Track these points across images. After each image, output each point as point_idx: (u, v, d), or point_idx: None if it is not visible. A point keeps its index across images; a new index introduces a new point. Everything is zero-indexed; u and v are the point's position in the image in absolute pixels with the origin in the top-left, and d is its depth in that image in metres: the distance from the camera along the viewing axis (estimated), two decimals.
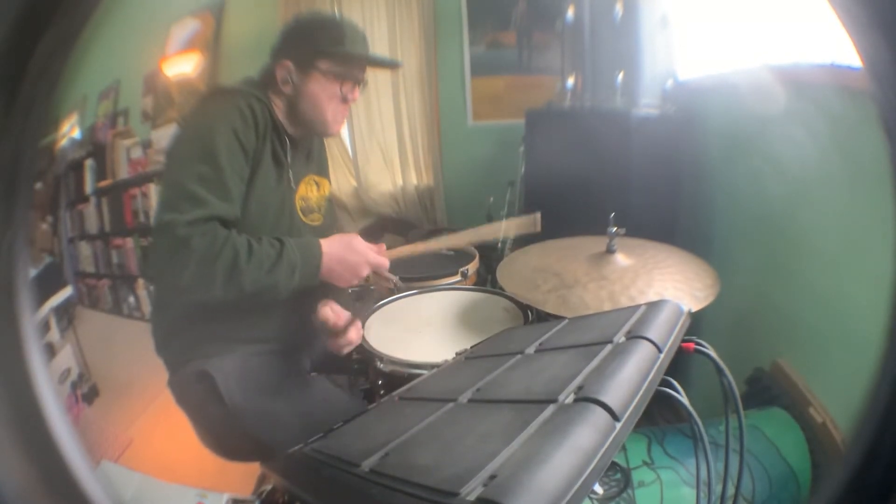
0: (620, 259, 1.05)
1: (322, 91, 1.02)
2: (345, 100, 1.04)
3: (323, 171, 1.16)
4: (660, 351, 0.56)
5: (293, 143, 1.04)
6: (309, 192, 1.11)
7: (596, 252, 1.08)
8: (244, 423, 0.97)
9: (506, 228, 1.21)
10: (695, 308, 0.90)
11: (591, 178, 1.40)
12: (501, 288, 1.12)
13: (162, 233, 0.89)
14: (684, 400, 0.55)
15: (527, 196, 1.74)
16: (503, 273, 1.13)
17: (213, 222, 0.90)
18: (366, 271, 1.02)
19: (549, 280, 1.04)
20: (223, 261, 0.89)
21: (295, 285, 0.95)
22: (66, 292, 1.01)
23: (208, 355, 1.00)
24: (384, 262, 1.05)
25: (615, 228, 1.06)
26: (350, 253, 1.01)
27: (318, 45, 1.02)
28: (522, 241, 1.28)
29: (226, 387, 0.96)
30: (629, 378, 0.49)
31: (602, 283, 0.99)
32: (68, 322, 0.98)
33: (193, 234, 0.87)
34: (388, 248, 1.09)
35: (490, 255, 1.60)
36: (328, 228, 1.15)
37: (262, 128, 0.97)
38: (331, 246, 1.00)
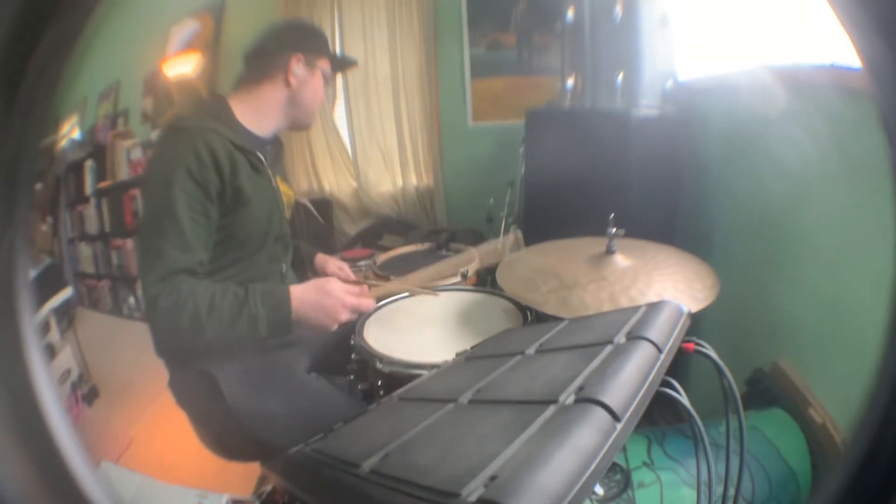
0: (620, 260, 1.05)
1: (319, 85, 1.10)
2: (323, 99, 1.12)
3: (284, 175, 1.22)
4: (660, 351, 0.56)
5: (263, 146, 1.09)
6: (283, 188, 1.17)
7: (595, 253, 1.08)
8: (246, 423, 0.97)
9: (483, 254, 1.28)
10: (695, 309, 0.90)
11: (590, 178, 1.40)
12: (501, 289, 1.12)
13: (142, 288, 0.97)
14: (684, 400, 0.55)
15: (527, 197, 1.74)
16: (502, 274, 1.13)
17: (178, 276, 0.94)
18: (343, 315, 1.02)
19: (548, 281, 1.03)
20: (186, 317, 0.92)
21: (264, 335, 0.96)
22: (67, 293, 1.01)
23: (209, 354, 1.00)
24: (365, 303, 1.05)
25: (614, 229, 1.06)
26: (324, 297, 1.01)
27: (321, 47, 1.10)
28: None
29: (228, 386, 0.97)
30: (630, 379, 0.49)
31: (602, 284, 0.99)
32: (68, 323, 0.98)
33: (161, 294, 0.92)
34: (388, 249, 1.09)
35: None
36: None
37: (226, 158, 0.98)
38: (303, 292, 1.01)
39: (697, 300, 0.93)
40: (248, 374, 1.01)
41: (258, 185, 1.04)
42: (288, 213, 1.19)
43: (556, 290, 1.00)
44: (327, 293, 1.01)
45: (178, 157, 0.95)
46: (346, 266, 1.25)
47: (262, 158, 1.06)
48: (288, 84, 1.07)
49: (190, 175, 0.95)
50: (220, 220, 1.00)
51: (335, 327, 1.03)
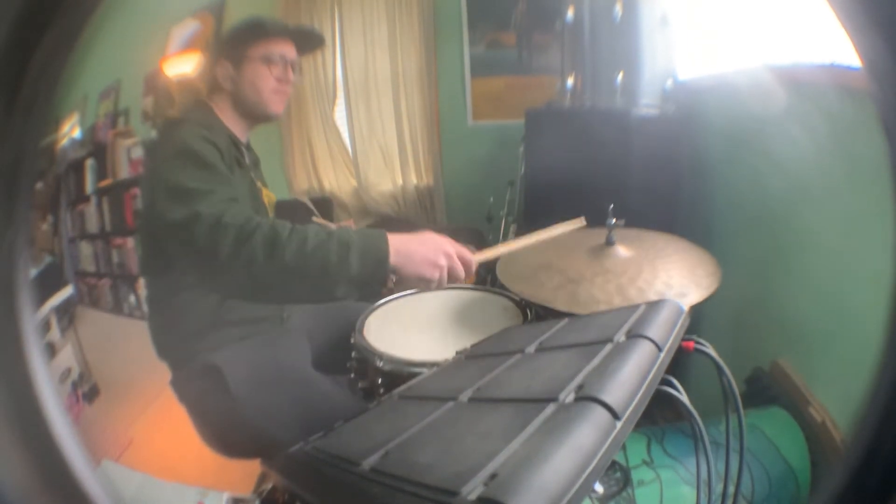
0: (621, 251, 1.05)
1: (255, 75, 1.10)
2: (279, 80, 1.11)
3: (265, 182, 1.23)
4: (660, 350, 0.56)
5: (244, 147, 1.12)
6: (265, 191, 1.19)
7: (594, 245, 1.08)
8: (250, 415, 0.97)
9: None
10: (701, 297, 0.90)
11: (590, 177, 1.40)
12: (503, 287, 1.11)
13: (186, 226, 0.85)
14: (684, 399, 0.55)
15: (527, 196, 1.74)
16: (504, 272, 1.12)
17: (233, 202, 0.90)
18: (443, 259, 0.89)
19: (553, 277, 1.03)
20: (260, 236, 0.82)
21: (354, 271, 0.82)
22: (67, 292, 1.01)
23: (213, 346, 1.01)
24: (467, 254, 0.94)
25: (614, 220, 1.05)
26: (422, 238, 0.91)
27: (245, 38, 1.11)
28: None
29: (233, 378, 0.97)
30: (630, 377, 0.49)
31: (608, 277, 0.98)
32: (69, 321, 0.98)
33: (226, 212, 0.84)
34: None
35: None
36: None
37: (221, 135, 1.03)
38: (399, 235, 0.89)
39: (702, 287, 0.93)
40: (253, 366, 1.01)
41: (240, 175, 1.07)
42: (271, 214, 1.21)
43: (564, 286, 0.99)
44: (423, 235, 0.92)
45: (187, 129, 0.99)
46: None
47: (244, 153, 1.10)
48: (225, 89, 1.10)
49: (203, 138, 0.98)
50: None
51: (436, 275, 0.89)
